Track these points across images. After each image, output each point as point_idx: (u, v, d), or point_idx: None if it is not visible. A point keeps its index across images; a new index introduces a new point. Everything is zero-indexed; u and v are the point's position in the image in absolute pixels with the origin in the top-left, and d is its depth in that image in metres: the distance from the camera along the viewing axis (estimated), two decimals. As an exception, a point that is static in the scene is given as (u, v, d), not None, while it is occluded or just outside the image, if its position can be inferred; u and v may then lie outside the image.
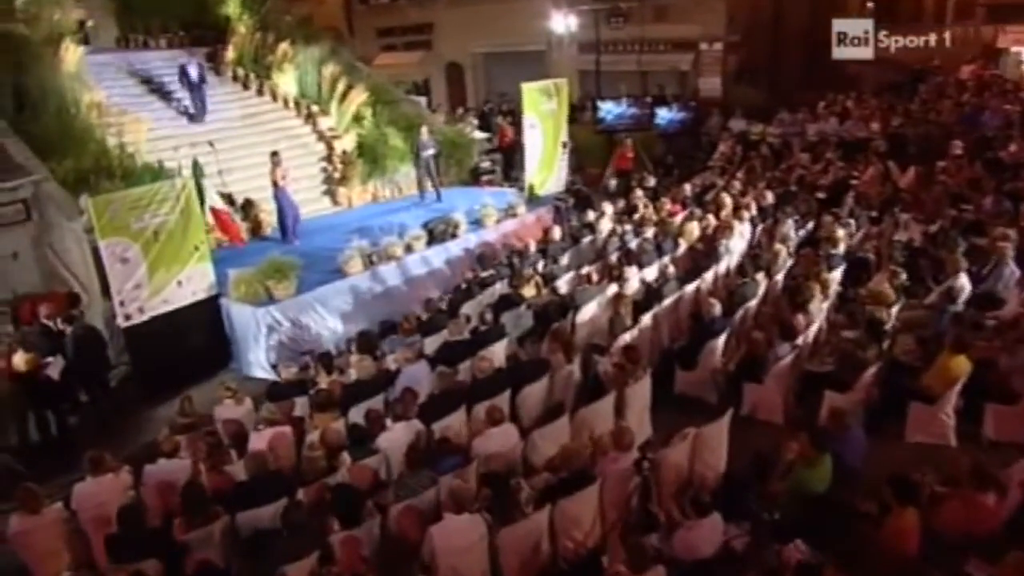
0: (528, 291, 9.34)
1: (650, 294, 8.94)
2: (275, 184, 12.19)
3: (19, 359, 8.09)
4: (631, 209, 12.71)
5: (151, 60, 16.35)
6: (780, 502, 5.50)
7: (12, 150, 11.08)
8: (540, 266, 10.40)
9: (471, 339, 8.06)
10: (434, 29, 24.53)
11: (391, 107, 16.66)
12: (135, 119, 12.56)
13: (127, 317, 8.97)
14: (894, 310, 8.05)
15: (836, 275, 9.08)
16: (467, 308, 9.31)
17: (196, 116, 14.54)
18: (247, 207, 13.12)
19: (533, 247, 10.92)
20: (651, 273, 9.82)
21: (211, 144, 12.17)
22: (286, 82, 16.40)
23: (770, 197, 12.06)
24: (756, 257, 9.92)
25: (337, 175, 15.13)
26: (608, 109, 18.12)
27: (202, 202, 10.78)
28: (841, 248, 9.56)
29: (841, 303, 8.87)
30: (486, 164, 16.98)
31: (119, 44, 17.40)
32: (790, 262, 9.69)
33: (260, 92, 16.55)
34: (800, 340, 7.64)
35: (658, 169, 16.56)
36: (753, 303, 8.79)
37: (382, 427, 6.44)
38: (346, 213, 14.49)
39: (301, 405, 7.29)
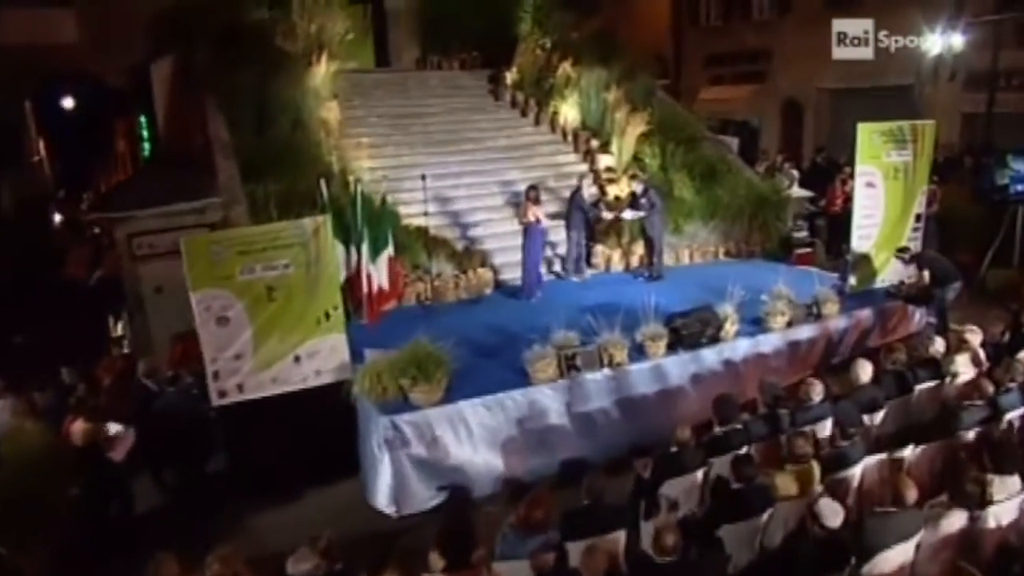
0: (785, 485, 5.26)
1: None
2: (526, 225, 10.02)
3: (77, 429, 6.38)
4: (1019, 340, 7.62)
5: (429, 79, 15.23)
6: None
7: (220, 168, 9.99)
8: (827, 429, 6.15)
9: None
10: (772, 57, 20.54)
11: (687, 147, 13.28)
12: (356, 143, 10.83)
13: (221, 394, 6.93)
14: None
15: None
16: (671, 488, 5.51)
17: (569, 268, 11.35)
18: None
19: (819, 391, 6.51)
20: (1041, 497, 5.10)
21: (423, 177, 9.87)
22: (567, 109, 14.09)
23: None
24: None
25: (600, 227, 12.07)
26: (1020, 169, 12.25)
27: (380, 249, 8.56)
28: None
29: None
30: (802, 234, 12.64)
31: (418, 65, 16.61)
32: None
33: (537, 121, 14.44)
34: None
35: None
36: None
37: None
38: (596, 278, 11.40)
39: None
